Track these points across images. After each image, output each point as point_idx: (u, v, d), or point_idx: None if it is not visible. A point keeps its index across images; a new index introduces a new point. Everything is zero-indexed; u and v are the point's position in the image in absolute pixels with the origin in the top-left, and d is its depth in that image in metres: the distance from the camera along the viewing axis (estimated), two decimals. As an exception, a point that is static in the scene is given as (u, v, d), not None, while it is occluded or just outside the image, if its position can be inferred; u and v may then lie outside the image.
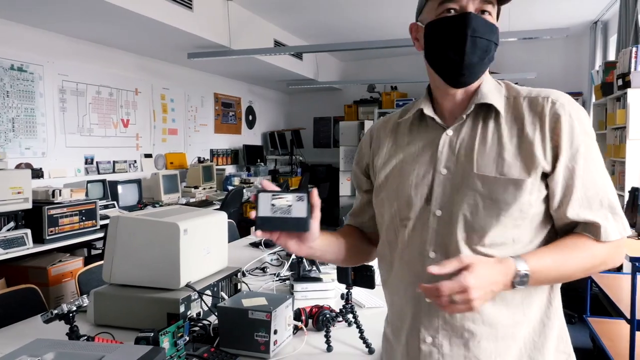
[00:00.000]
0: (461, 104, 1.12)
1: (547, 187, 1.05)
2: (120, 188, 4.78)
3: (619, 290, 3.14)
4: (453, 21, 1.04)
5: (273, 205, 1.03)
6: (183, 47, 5.09)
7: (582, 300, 3.81)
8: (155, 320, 1.67)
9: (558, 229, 1.08)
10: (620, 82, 3.87)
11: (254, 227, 1.03)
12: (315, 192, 1.04)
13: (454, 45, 1.04)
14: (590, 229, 1.04)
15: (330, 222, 8.10)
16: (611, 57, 5.51)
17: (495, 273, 0.95)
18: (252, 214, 1.03)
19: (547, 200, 1.05)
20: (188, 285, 1.80)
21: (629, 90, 3.65)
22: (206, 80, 6.86)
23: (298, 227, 1.03)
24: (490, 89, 1.11)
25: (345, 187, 7.95)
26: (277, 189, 1.05)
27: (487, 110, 1.09)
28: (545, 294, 1.10)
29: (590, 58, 6.12)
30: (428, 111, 1.14)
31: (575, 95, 6.61)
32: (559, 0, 5.23)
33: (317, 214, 1.05)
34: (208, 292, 1.89)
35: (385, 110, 7.73)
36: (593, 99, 5.04)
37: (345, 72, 8.67)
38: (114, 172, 5.15)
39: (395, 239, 1.16)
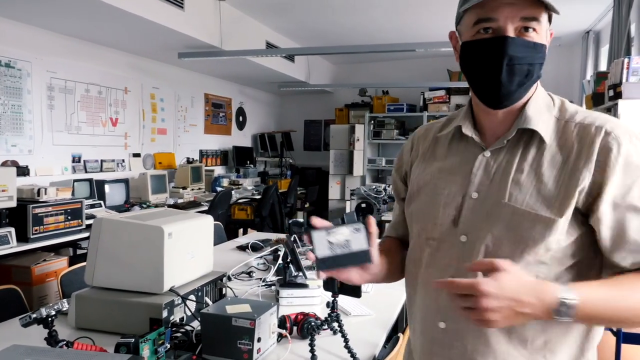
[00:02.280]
0: (503, 123, 1.04)
1: (584, 225, 0.97)
2: (107, 187, 4.72)
3: None
4: (489, 45, 0.97)
5: (330, 242, 1.00)
6: (174, 46, 5.06)
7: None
8: (138, 324, 1.64)
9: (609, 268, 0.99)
10: (611, 92, 3.87)
11: (315, 269, 1.00)
12: (372, 220, 1.01)
13: (489, 71, 0.98)
14: None
15: (319, 225, 8.10)
16: (602, 67, 5.53)
17: (526, 291, 0.85)
18: (311, 256, 1.00)
19: (582, 238, 0.97)
20: (172, 290, 1.78)
21: (620, 101, 3.65)
22: (197, 80, 6.82)
23: (360, 259, 1.01)
24: (539, 109, 1.02)
25: (334, 191, 7.94)
26: (329, 224, 1.01)
27: (530, 135, 1.01)
28: (577, 342, 1.00)
29: (581, 67, 6.14)
30: (467, 130, 1.08)
31: (566, 104, 6.67)
32: (551, 10, 5.24)
33: (375, 242, 1.02)
34: (192, 297, 1.86)
35: (376, 115, 7.73)
36: (584, 108, 5.07)
37: (336, 75, 8.67)
38: (101, 171, 5.09)
39: (420, 257, 1.11)
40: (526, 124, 1.00)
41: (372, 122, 7.76)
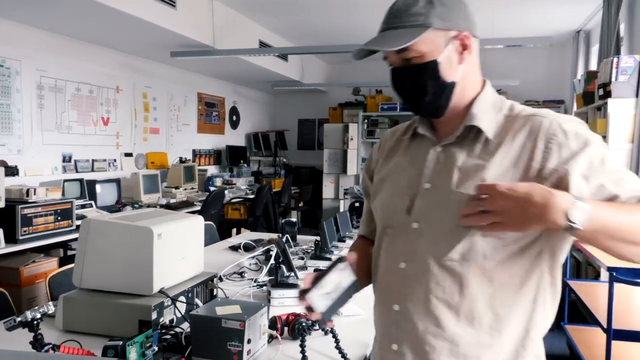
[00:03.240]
0: (451, 122, 1.13)
1: None
2: (98, 187, 4.69)
3: (596, 298, 3.16)
4: (391, 76, 1.13)
5: (327, 293, 1.11)
6: (166, 45, 5.03)
7: (561, 307, 3.82)
8: (127, 327, 1.62)
9: None
10: (601, 91, 3.90)
11: (321, 319, 1.10)
12: (350, 257, 1.19)
13: (401, 95, 1.14)
14: None
15: (312, 224, 8.09)
16: (593, 66, 5.56)
17: (539, 192, 0.92)
18: (315, 316, 1.10)
19: None
20: (161, 291, 1.76)
21: (609, 100, 3.68)
22: (190, 80, 6.79)
23: (354, 289, 1.16)
24: (484, 108, 1.11)
25: (328, 190, 7.93)
26: (316, 274, 1.13)
27: (477, 131, 1.09)
28: (523, 322, 1.07)
29: (572, 67, 6.17)
30: (421, 130, 1.18)
31: (558, 103, 6.70)
32: (544, 9, 5.27)
33: (356, 268, 1.19)
34: (182, 298, 1.84)
35: (369, 114, 7.73)
36: (575, 108, 5.09)
37: (330, 74, 8.66)
38: (92, 171, 5.05)
39: (380, 245, 1.21)
40: (471, 121, 1.09)
41: (366, 121, 7.76)
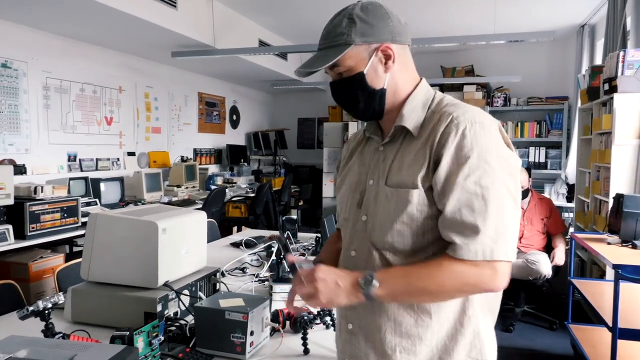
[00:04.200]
0: (390, 123, 1.24)
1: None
2: (102, 186, 4.75)
3: (601, 297, 3.11)
4: (330, 89, 1.26)
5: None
6: (167, 45, 5.08)
7: (564, 306, 3.81)
8: (133, 318, 1.68)
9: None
10: (606, 86, 3.82)
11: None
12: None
13: (340, 105, 1.28)
14: (450, 247, 1.09)
15: (313, 223, 8.14)
16: (598, 61, 5.48)
17: (343, 275, 1.11)
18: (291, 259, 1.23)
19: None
20: (166, 285, 1.81)
21: (615, 95, 3.61)
22: (190, 79, 6.84)
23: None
24: (413, 107, 1.21)
25: (328, 189, 7.96)
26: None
27: (406, 130, 1.20)
28: (459, 302, 1.17)
29: (576, 62, 6.09)
30: (368, 132, 1.32)
31: (561, 99, 6.64)
32: (547, 3, 5.25)
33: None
34: (186, 291, 1.89)
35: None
36: (579, 104, 5.03)
37: (330, 73, 8.68)
38: (96, 169, 5.11)
39: (340, 234, 1.36)
40: (400, 122, 1.20)
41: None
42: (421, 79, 1.26)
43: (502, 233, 1.06)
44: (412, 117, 1.19)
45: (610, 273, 3.35)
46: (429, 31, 6.24)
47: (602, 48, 4.87)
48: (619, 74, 3.60)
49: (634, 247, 3.01)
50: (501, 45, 6.71)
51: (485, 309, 1.19)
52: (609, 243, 3.14)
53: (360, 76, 1.18)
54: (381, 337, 1.19)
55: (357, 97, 1.21)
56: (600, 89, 3.99)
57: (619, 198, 3.23)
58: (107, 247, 1.84)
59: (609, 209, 3.44)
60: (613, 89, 3.67)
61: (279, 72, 6.87)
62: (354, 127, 7.68)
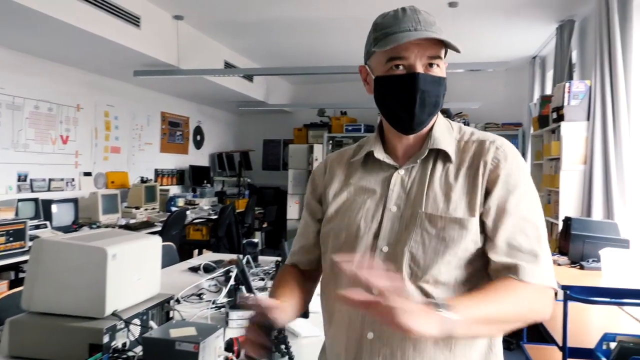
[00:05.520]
0: (414, 145, 1.17)
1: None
2: (54, 207, 4.57)
3: (553, 316, 3.20)
4: (402, 81, 1.09)
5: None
6: (129, 64, 4.99)
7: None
8: (77, 351, 1.58)
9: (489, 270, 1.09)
10: (555, 115, 4.03)
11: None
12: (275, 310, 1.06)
13: (403, 104, 1.10)
14: (511, 270, 1.04)
15: (276, 245, 8.04)
16: (548, 90, 5.74)
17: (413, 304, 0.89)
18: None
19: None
20: (114, 314, 1.71)
21: (562, 123, 3.81)
22: (153, 99, 6.73)
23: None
24: (442, 131, 1.17)
25: (293, 210, 7.92)
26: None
27: (437, 153, 1.14)
28: (487, 338, 1.11)
29: (529, 91, 6.35)
30: (378, 154, 1.19)
31: (516, 125, 6.88)
32: (502, 36, 5.45)
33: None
34: (136, 320, 1.80)
35: (334, 135, 7.79)
36: (531, 130, 5.25)
37: (295, 95, 8.72)
38: (49, 190, 4.92)
39: (337, 274, 1.14)
40: (436, 145, 1.14)
41: (331, 142, 7.82)
42: None
43: (550, 259, 1.08)
44: (446, 141, 1.14)
45: (560, 293, 3.50)
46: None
47: (552, 78, 5.11)
48: (566, 103, 3.82)
49: (582, 267, 3.13)
50: (461, 73, 6.92)
51: (500, 342, 1.16)
52: (559, 264, 3.25)
53: (444, 81, 1.12)
54: None
55: (438, 101, 1.12)
56: (550, 117, 4.20)
57: (567, 221, 3.39)
58: (52, 275, 1.73)
59: (559, 231, 3.57)
60: (561, 118, 3.88)
61: (245, 93, 6.84)
62: (319, 149, 7.69)
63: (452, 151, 1.13)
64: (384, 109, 1.16)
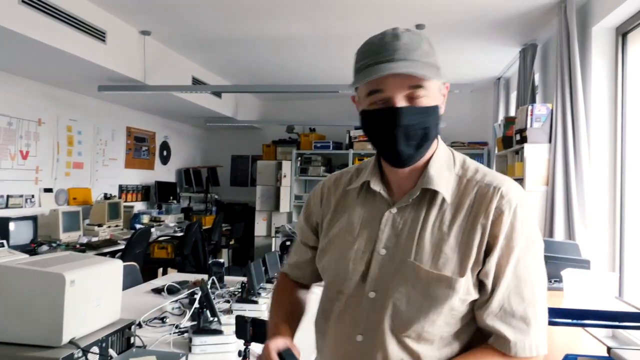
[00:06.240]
0: (409, 179, 1.09)
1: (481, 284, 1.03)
2: (12, 225, 4.40)
3: None
4: (381, 117, 1.02)
5: None
6: (94, 79, 4.88)
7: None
8: (30, 383, 1.51)
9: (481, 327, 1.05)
10: (518, 136, 4.12)
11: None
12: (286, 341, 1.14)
13: (386, 139, 1.03)
14: (500, 342, 1.01)
15: (243, 263, 7.94)
16: (512, 110, 5.84)
17: None
18: None
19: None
20: (72, 342, 1.65)
21: (525, 145, 3.88)
22: (118, 113, 6.60)
23: None
24: (440, 167, 1.08)
25: (260, 227, 7.86)
26: None
27: (433, 194, 1.06)
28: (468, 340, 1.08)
29: (494, 111, 6.45)
30: (375, 185, 1.12)
31: (481, 145, 7.02)
32: (467, 57, 5.56)
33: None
34: (95, 348, 1.74)
35: (303, 152, 7.78)
36: (496, 150, 5.35)
37: (264, 111, 8.70)
38: (7, 207, 4.75)
39: (331, 309, 1.14)
40: (429, 184, 1.05)
41: (299, 158, 7.81)
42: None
43: (545, 322, 1.02)
44: (442, 181, 1.05)
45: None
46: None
47: (515, 99, 5.22)
48: (528, 126, 3.90)
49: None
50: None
51: None
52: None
53: (436, 110, 1.03)
54: None
55: (428, 134, 1.02)
56: (513, 138, 4.29)
57: None
58: (7, 301, 1.66)
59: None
60: (524, 140, 3.96)
61: (213, 109, 6.79)
62: (287, 165, 7.67)
63: (447, 192, 1.05)
64: (372, 143, 1.09)
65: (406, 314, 1.01)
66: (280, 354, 1.08)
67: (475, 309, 1.03)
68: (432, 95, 1.03)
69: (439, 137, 1.11)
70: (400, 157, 1.03)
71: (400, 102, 1.00)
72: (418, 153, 1.04)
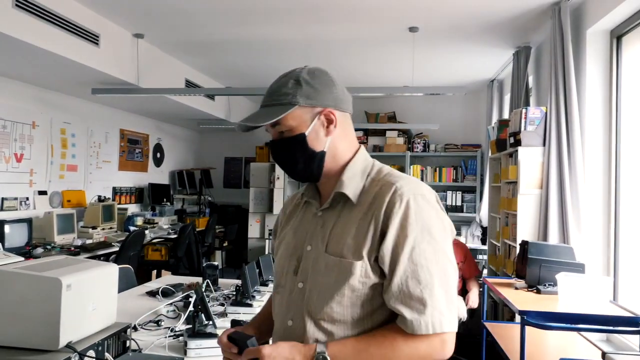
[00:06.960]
0: (330, 187, 1.26)
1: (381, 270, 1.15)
2: (7, 228, 4.39)
3: (512, 340, 3.22)
4: (269, 148, 1.33)
5: None
6: (87, 82, 4.88)
7: (478, 350, 3.92)
8: (27, 387, 1.51)
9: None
10: (512, 139, 4.09)
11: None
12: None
13: (279, 164, 1.28)
14: (401, 321, 1.12)
15: (237, 264, 7.94)
16: (506, 113, 5.83)
17: (295, 350, 1.11)
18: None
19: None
20: (68, 346, 1.65)
21: (519, 148, 3.86)
22: (112, 116, 6.59)
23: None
24: (354, 174, 1.24)
25: (254, 229, 7.86)
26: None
27: (346, 196, 1.22)
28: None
29: (487, 113, 6.44)
30: (306, 196, 1.32)
31: (475, 147, 7.04)
32: (461, 59, 5.57)
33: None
34: (91, 352, 1.74)
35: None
36: (489, 153, 5.34)
37: (258, 113, 8.68)
38: (2, 210, 4.73)
39: (275, 299, 1.34)
40: (340, 189, 1.22)
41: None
42: (360, 146, 1.29)
43: (448, 303, 1.11)
44: (351, 185, 1.21)
45: (518, 316, 3.55)
46: (353, 79, 6.44)
47: (509, 101, 5.21)
48: (522, 129, 3.88)
49: (538, 292, 3.17)
50: (420, 96, 7.05)
51: None
52: (516, 288, 3.30)
53: (302, 137, 1.20)
54: None
55: (297, 158, 1.21)
56: (507, 141, 4.26)
57: (524, 245, 3.41)
58: (3, 306, 1.66)
59: (516, 255, 3.61)
60: (517, 142, 3.94)
61: (206, 111, 6.78)
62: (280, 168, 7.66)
63: (355, 193, 1.20)
64: None
65: (318, 299, 1.17)
66: (231, 337, 1.20)
67: (383, 294, 1.14)
68: (295, 126, 1.20)
69: (361, 147, 1.29)
70: (299, 177, 1.26)
71: (274, 137, 1.24)
72: (312, 171, 1.23)
